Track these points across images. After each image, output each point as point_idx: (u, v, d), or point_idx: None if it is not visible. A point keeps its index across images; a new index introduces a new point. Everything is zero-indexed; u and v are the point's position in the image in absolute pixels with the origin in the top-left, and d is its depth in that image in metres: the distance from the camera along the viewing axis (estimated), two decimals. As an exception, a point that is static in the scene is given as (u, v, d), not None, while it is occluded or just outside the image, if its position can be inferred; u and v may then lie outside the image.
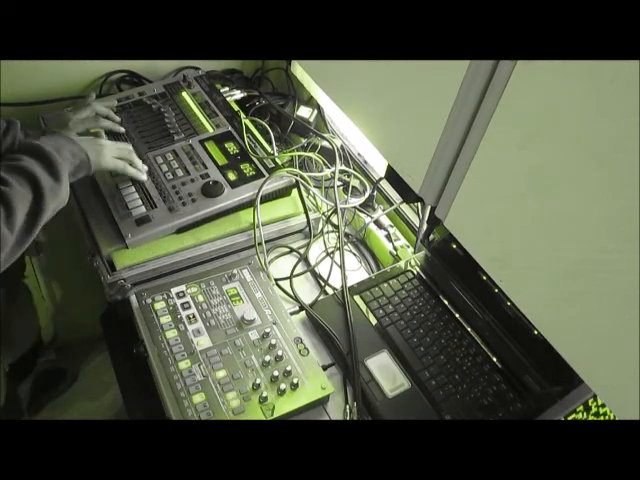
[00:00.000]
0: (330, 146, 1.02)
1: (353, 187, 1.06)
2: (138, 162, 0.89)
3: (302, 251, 0.97)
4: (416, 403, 0.77)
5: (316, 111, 1.14)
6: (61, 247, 1.16)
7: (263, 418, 0.70)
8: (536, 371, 0.79)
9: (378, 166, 1.05)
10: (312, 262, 0.96)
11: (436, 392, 0.78)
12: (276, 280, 0.91)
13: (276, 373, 0.74)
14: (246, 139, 0.99)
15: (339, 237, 0.94)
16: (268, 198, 0.94)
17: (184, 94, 1.09)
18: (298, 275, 0.94)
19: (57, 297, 1.42)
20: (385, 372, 0.80)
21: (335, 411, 0.77)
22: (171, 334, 0.78)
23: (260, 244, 0.90)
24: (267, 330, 0.79)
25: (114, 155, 0.83)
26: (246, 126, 1.02)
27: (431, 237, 0.96)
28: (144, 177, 0.89)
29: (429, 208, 0.89)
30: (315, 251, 0.99)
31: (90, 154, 0.77)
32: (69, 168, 0.74)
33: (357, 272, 0.98)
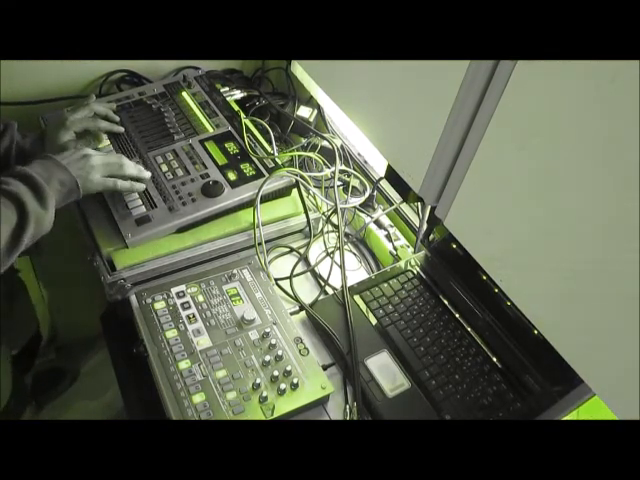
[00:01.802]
0: (330, 146, 1.02)
1: (353, 187, 1.06)
2: (131, 170, 0.85)
3: (302, 251, 0.97)
4: (416, 403, 0.77)
5: (316, 111, 1.14)
6: (61, 247, 1.16)
7: (263, 418, 0.70)
8: (536, 371, 0.79)
9: (378, 166, 1.05)
10: (312, 262, 0.96)
11: (436, 392, 0.78)
12: (276, 280, 0.91)
13: (276, 373, 0.74)
14: (246, 139, 0.99)
15: (339, 237, 0.94)
16: (268, 198, 0.94)
17: (184, 94, 1.09)
18: (298, 275, 0.94)
19: (57, 297, 1.41)
20: (385, 372, 0.80)
21: (335, 411, 0.77)
22: (171, 334, 0.78)
23: (260, 244, 0.90)
24: (267, 330, 0.79)
25: (104, 174, 0.81)
26: (246, 126, 1.02)
27: (431, 237, 0.96)
28: (141, 187, 0.87)
29: (429, 208, 0.89)
30: (315, 251, 0.99)
31: (79, 181, 0.77)
32: (57, 197, 0.75)
33: (357, 272, 0.98)
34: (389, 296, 0.90)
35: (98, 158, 0.82)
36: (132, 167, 0.86)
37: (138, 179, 0.87)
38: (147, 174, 0.89)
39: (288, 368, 0.75)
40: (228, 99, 1.10)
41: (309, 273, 0.95)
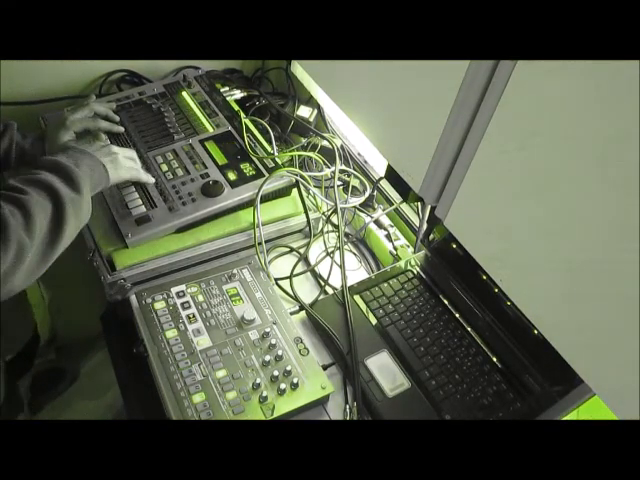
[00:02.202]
0: (330, 146, 1.02)
1: (353, 187, 1.06)
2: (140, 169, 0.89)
3: (302, 251, 0.97)
4: (416, 403, 0.77)
5: (316, 111, 1.14)
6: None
7: (263, 418, 0.70)
8: (536, 371, 0.79)
9: (378, 166, 1.05)
10: (312, 262, 0.96)
11: (436, 392, 0.78)
12: (276, 280, 0.91)
13: (276, 373, 0.74)
14: (246, 139, 0.99)
15: (339, 237, 0.94)
16: (268, 198, 0.94)
17: (184, 94, 1.09)
18: (298, 275, 0.94)
19: (57, 297, 1.41)
20: (385, 372, 0.80)
21: (335, 411, 0.77)
22: (171, 334, 0.78)
23: (260, 244, 0.90)
24: (267, 330, 0.79)
25: (127, 164, 0.83)
26: (246, 126, 1.02)
27: (431, 237, 0.96)
28: (153, 179, 0.90)
29: (429, 208, 0.89)
30: (315, 251, 0.99)
31: (108, 166, 0.77)
32: (89, 182, 0.73)
33: (357, 272, 0.98)
34: (389, 296, 0.90)
35: (118, 148, 0.84)
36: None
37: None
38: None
39: (288, 368, 0.75)
40: (228, 99, 1.10)
41: (309, 273, 0.95)
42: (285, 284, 0.92)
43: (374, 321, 0.87)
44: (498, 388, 0.78)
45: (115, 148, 0.83)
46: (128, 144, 0.97)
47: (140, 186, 0.90)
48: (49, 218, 0.64)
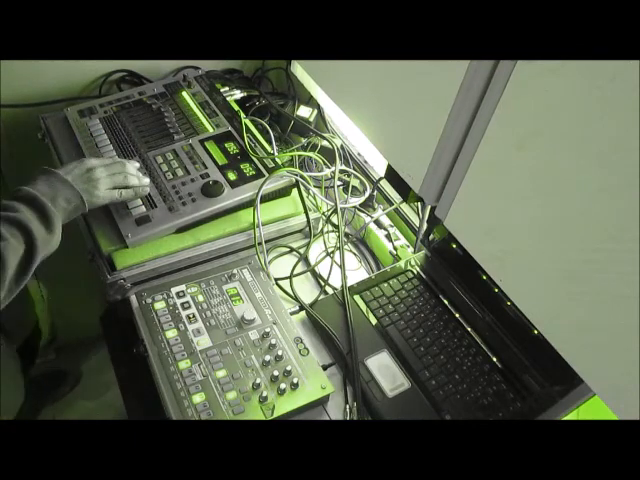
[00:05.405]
0: (330, 146, 1.02)
1: (353, 187, 1.06)
2: (135, 181, 0.85)
3: (302, 251, 0.97)
4: (416, 403, 0.77)
5: (316, 111, 1.14)
6: (61, 247, 1.16)
7: (263, 418, 0.70)
8: (536, 371, 0.79)
9: (378, 166, 1.05)
10: (312, 262, 0.96)
11: (436, 392, 0.78)
12: (276, 280, 0.91)
13: (276, 373, 0.74)
14: (246, 139, 0.99)
15: (339, 237, 0.94)
16: (268, 198, 0.94)
17: (184, 94, 1.09)
18: (298, 275, 0.94)
19: (57, 297, 1.41)
20: (385, 372, 0.80)
21: (335, 411, 0.77)
22: (171, 334, 0.78)
23: (260, 244, 0.90)
24: (267, 330, 0.79)
25: (108, 187, 0.80)
26: (246, 126, 1.02)
27: (431, 237, 0.96)
28: (144, 192, 0.87)
29: (429, 208, 0.89)
30: (315, 251, 0.99)
31: (84, 196, 0.76)
32: (63, 216, 0.74)
33: (357, 272, 0.98)
34: (389, 296, 0.90)
35: (102, 170, 0.80)
36: (134, 177, 0.85)
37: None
38: (146, 180, 0.87)
39: (288, 368, 0.75)
40: (228, 99, 1.10)
41: (309, 273, 0.95)
42: (285, 284, 0.92)
43: (374, 321, 0.87)
44: (498, 388, 0.78)
45: (99, 172, 0.79)
46: (128, 144, 0.97)
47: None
48: (19, 259, 0.67)
